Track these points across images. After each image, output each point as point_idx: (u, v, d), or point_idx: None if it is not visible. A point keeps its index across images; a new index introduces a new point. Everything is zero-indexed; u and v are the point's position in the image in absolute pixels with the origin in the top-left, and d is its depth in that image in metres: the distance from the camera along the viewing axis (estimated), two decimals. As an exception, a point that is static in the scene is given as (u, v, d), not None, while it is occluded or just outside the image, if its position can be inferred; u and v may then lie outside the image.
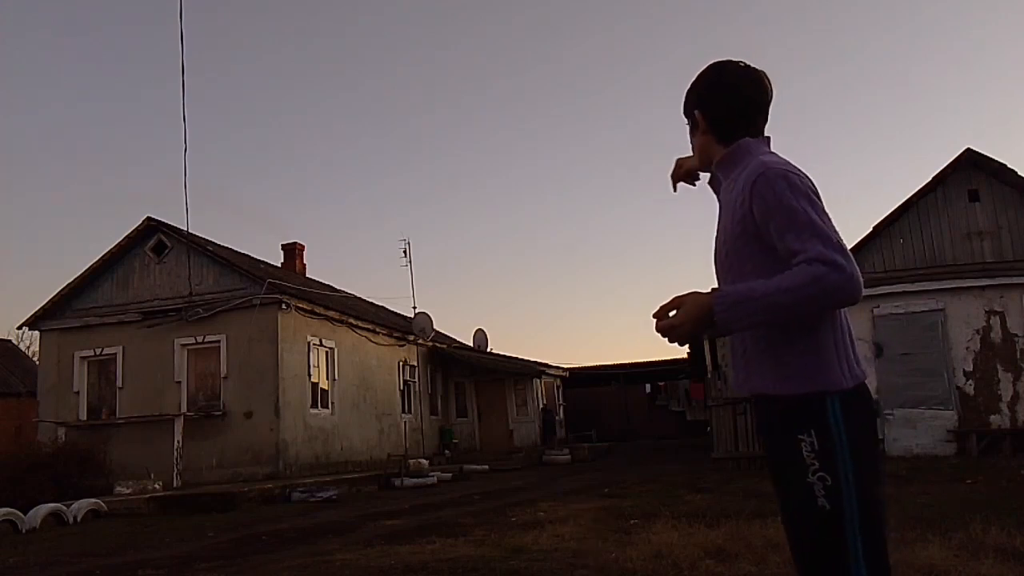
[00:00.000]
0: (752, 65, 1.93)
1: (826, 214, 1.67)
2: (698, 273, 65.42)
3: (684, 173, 2.16)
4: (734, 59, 1.94)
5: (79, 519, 10.53)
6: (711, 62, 1.97)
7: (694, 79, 1.98)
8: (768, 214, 1.68)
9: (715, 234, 1.92)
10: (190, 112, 13.74)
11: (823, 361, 1.68)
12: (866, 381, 1.76)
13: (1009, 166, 13.91)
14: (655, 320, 1.71)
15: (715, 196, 2.04)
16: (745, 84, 1.90)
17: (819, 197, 1.70)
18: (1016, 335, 13.53)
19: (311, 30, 54.62)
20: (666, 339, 1.69)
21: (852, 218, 64.29)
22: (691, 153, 2.06)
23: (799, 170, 1.75)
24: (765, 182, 1.70)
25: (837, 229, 1.65)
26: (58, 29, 47.74)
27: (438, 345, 23.49)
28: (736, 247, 1.79)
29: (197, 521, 9.83)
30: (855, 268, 1.58)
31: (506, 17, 56.32)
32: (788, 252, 1.63)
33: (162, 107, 53.57)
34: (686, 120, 2.01)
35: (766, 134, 1.93)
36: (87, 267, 16.98)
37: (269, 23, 54.33)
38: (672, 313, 1.69)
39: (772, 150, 1.88)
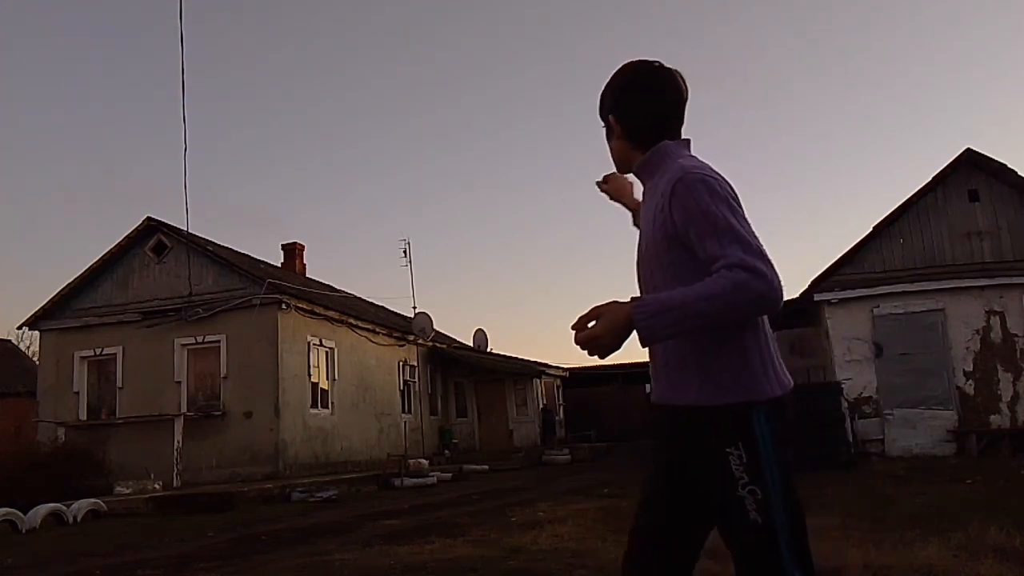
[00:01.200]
0: (666, 65, 1.86)
1: (746, 220, 1.62)
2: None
3: (614, 193, 2.13)
4: (648, 59, 1.86)
5: (79, 519, 10.52)
6: (624, 63, 1.88)
7: (608, 81, 1.89)
8: (688, 219, 1.63)
9: (637, 240, 1.85)
10: (190, 112, 13.74)
11: (749, 370, 1.64)
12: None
13: (1009, 166, 13.93)
14: (574, 332, 1.61)
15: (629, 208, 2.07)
16: (660, 86, 1.83)
17: (739, 202, 1.67)
18: (1016, 335, 13.54)
19: (311, 30, 54.66)
20: (586, 352, 1.60)
21: (852, 218, 64.30)
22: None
23: (718, 174, 1.71)
24: (685, 187, 1.65)
25: (757, 235, 1.61)
26: (58, 29, 47.77)
27: (438, 345, 23.49)
28: (658, 253, 1.73)
29: (197, 521, 9.82)
30: (776, 275, 1.54)
31: (506, 17, 56.37)
32: (708, 258, 1.59)
33: (162, 107, 53.62)
34: (602, 124, 1.92)
35: (684, 136, 1.86)
36: (87, 267, 16.98)
37: (269, 23, 54.37)
38: (591, 324, 1.60)
39: (692, 153, 1.83)
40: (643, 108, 1.84)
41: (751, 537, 1.62)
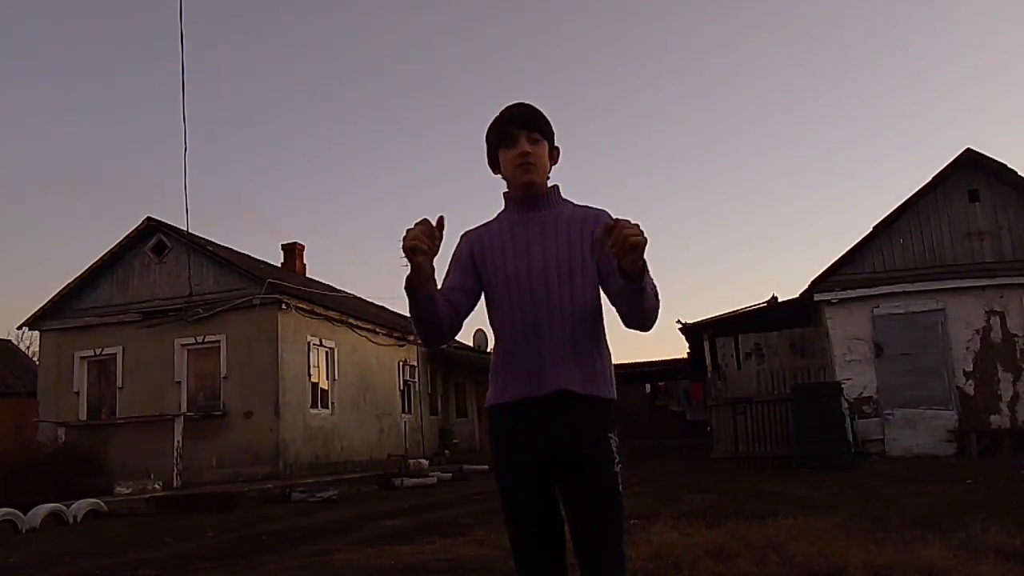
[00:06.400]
0: None
1: None
2: (694, 274, 65.46)
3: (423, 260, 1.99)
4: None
5: (79, 519, 10.52)
6: (533, 104, 2.14)
7: (540, 112, 2.14)
8: None
9: (527, 248, 2.10)
10: (190, 112, 13.73)
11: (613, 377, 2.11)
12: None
13: (1009, 166, 13.90)
14: (635, 232, 1.74)
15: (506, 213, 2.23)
16: None
17: None
18: (1016, 335, 13.54)
19: (311, 30, 54.68)
20: (628, 245, 1.73)
21: (852, 218, 64.29)
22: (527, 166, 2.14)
23: None
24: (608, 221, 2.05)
25: None
26: (59, 29, 47.77)
27: (438, 345, 23.46)
28: (582, 264, 2.05)
29: (197, 521, 9.83)
30: None
31: (506, 16, 56.39)
32: None
33: (162, 107, 53.61)
34: (537, 134, 2.11)
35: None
36: (87, 267, 16.97)
37: (269, 23, 54.39)
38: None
39: None
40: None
41: (618, 508, 2.00)
